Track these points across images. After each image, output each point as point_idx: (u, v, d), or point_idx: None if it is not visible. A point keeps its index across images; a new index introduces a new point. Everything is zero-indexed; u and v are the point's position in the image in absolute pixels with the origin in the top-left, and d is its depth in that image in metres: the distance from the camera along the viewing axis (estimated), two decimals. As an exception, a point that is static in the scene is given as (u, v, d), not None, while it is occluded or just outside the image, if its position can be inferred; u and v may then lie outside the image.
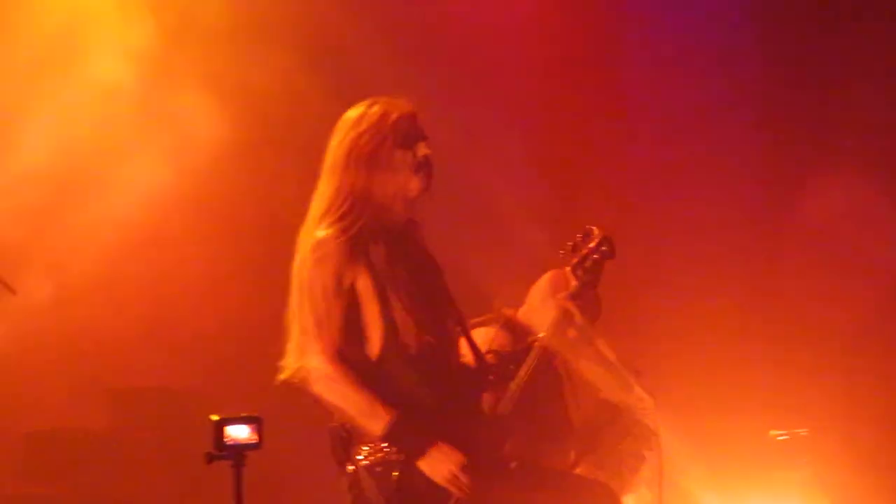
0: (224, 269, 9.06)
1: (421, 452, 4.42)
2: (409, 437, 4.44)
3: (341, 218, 4.53)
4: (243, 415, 3.86)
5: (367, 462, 4.47)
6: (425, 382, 4.54)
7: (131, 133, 9.06)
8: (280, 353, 4.61)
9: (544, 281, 5.91)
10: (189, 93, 8.90)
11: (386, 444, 4.45)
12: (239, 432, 3.83)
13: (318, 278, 4.45)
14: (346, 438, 4.51)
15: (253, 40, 8.93)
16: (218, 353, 8.98)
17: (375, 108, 4.61)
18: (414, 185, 4.62)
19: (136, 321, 9.00)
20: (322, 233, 4.51)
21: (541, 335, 5.19)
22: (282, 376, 4.53)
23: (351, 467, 4.52)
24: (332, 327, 4.43)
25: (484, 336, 5.64)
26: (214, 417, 3.86)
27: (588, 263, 5.17)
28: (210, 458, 3.89)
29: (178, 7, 9.03)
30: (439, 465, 4.44)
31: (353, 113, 4.65)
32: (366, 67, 8.69)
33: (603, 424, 5.84)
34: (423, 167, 4.62)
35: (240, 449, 3.83)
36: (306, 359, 4.44)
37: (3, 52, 8.77)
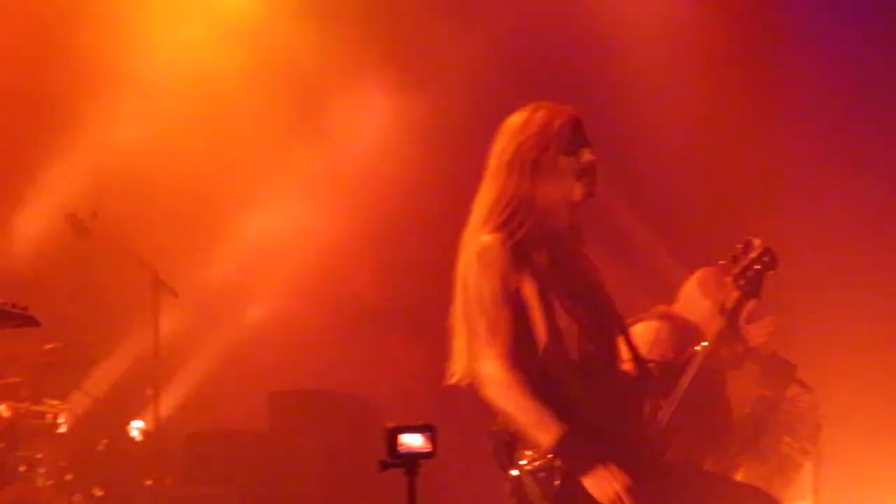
0: (388, 273, 9.18)
1: (587, 470, 4.36)
2: (577, 452, 4.37)
3: (505, 223, 4.49)
4: (418, 423, 3.85)
5: (530, 467, 4.43)
6: (587, 388, 4.48)
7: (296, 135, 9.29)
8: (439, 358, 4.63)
9: (695, 278, 5.93)
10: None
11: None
12: (413, 440, 3.82)
13: (487, 284, 4.42)
14: (510, 443, 4.47)
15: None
16: (378, 357, 9.11)
17: (540, 114, 4.56)
18: (577, 191, 4.55)
19: (298, 325, 9.13)
20: (486, 238, 4.48)
21: (703, 345, 5.08)
22: (451, 380, 4.52)
23: (514, 472, 4.48)
24: (504, 333, 4.39)
25: (643, 331, 5.66)
26: (389, 425, 3.86)
27: (749, 274, 5.07)
28: (384, 466, 3.89)
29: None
30: (605, 484, 4.37)
31: (517, 118, 4.60)
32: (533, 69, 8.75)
33: (763, 416, 5.77)
34: (587, 173, 4.54)
35: (413, 457, 3.82)
36: (480, 364, 4.41)
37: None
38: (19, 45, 8.80)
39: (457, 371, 4.51)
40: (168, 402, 8.11)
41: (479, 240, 4.50)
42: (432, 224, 8.18)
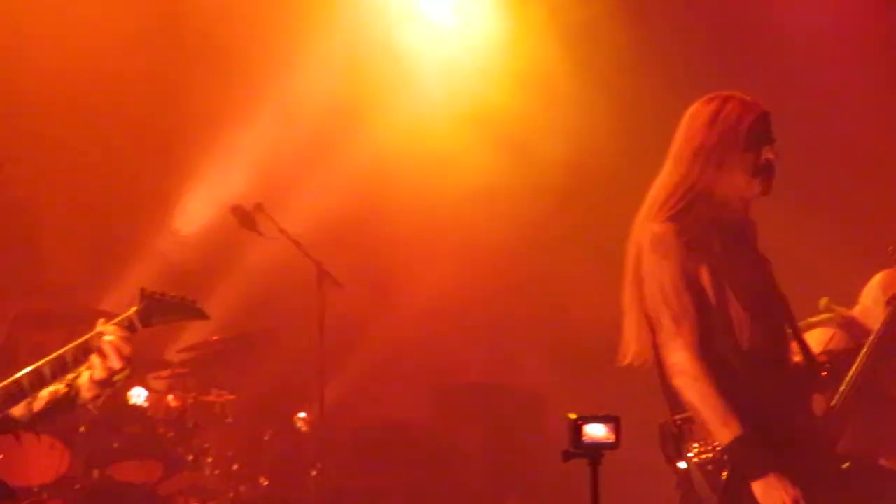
0: (545, 265, 9.06)
1: (760, 475, 4.23)
2: (753, 455, 4.25)
3: (680, 212, 4.41)
4: (601, 414, 3.78)
5: (697, 460, 4.34)
6: (756, 378, 4.37)
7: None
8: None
9: (876, 281, 5.70)
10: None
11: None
12: (597, 431, 3.75)
13: (667, 273, 4.34)
14: (678, 435, 4.38)
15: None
16: (539, 349, 9.00)
17: (731, 106, 4.46)
18: (755, 187, 4.46)
19: (458, 319, 9.09)
20: (659, 227, 4.39)
21: (872, 336, 5.03)
22: (621, 363, 4.48)
23: (682, 464, 4.39)
24: (689, 322, 4.31)
25: (819, 337, 5.43)
26: (572, 416, 3.79)
27: None
28: (567, 456, 3.82)
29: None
30: (774, 493, 4.22)
31: (707, 108, 4.50)
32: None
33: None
34: (766, 170, 4.45)
35: (597, 448, 3.76)
36: (667, 354, 4.34)
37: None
38: (181, 43, 8.92)
39: (626, 354, 4.47)
40: (333, 394, 8.07)
41: (651, 228, 4.42)
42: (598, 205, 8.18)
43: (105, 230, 8.97)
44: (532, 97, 9.13)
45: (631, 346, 4.47)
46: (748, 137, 4.41)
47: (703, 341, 4.33)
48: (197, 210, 8.87)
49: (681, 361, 4.30)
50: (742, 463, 4.24)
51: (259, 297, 8.54)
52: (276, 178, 8.86)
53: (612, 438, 3.78)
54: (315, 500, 7.80)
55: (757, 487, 4.23)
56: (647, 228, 4.44)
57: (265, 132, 8.95)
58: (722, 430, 4.25)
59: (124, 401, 7.34)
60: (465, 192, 9.06)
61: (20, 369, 3.88)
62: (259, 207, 7.77)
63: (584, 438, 3.78)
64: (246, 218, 7.75)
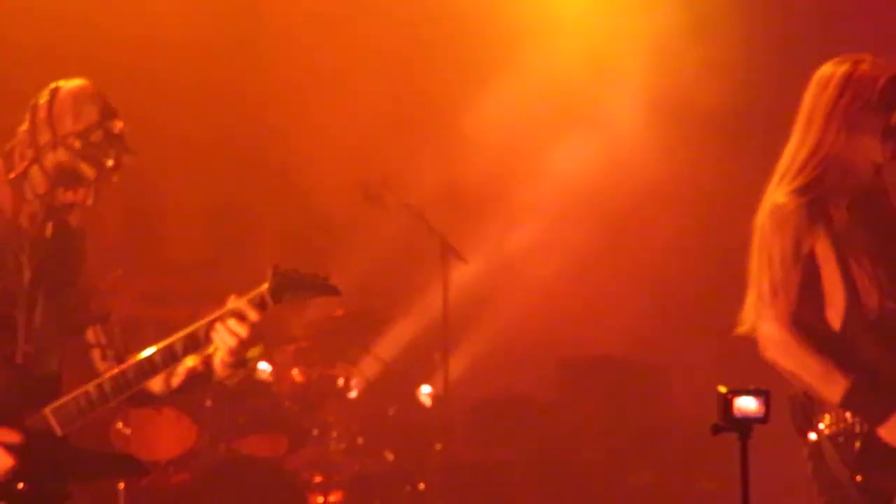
0: (673, 238, 8.83)
1: (882, 418, 4.07)
2: (869, 403, 4.09)
3: (804, 179, 4.26)
4: (751, 387, 3.65)
5: (829, 431, 4.17)
6: (886, 348, 4.20)
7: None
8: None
9: None
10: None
11: (849, 414, 4.13)
12: (747, 404, 3.62)
13: (777, 243, 4.21)
14: (808, 406, 4.22)
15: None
16: (663, 324, 8.79)
17: (864, 68, 4.26)
18: (887, 150, 4.27)
19: (583, 291, 8.92)
20: (781, 197, 4.26)
21: None
22: (740, 330, 4.34)
23: (813, 436, 4.23)
24: (787, 294, 4.17)
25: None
26: (722, 389, 3.66)
27: None
28: (716, 430, 3.70)
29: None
30: None
31: (838, 69, 4.29)
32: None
33: None
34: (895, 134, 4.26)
35: (747, 422, 3.62)
36: (760, 324, 4.21)
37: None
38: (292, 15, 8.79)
39: (744, 322, 4.34)
40: (457, 368, 7.98)
41: (774, 199, 4.29)
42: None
43: (227, 207, 8.96)
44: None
45: (749, 315, 4.33)
46: (881, 99, 4.23)
47: (826, 313, 4.21)
48: (325, 185, 8.77)
49: (770, 332, 4.19)
50: (861, 411, 4.10)
51: (383, 272, 8.44)
52: (400, 151, 8.77)
53: (762, 412, 3.66)
54: (439, 474, 7.69)
55: (883, 431, 4.09)
56: (770, 199, 4.31)
57: (386, 105, 8.83)
58: (830, 388, 4.12)
59: (250, 375, 7.31)
60: (596, 158, 8.87)
61: (145, 347, 3.86)
62: (384, 181, 7.68)
63: (734, 412, 3.65)
64: (370, 192, 7.66)
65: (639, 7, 8.98)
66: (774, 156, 4.45)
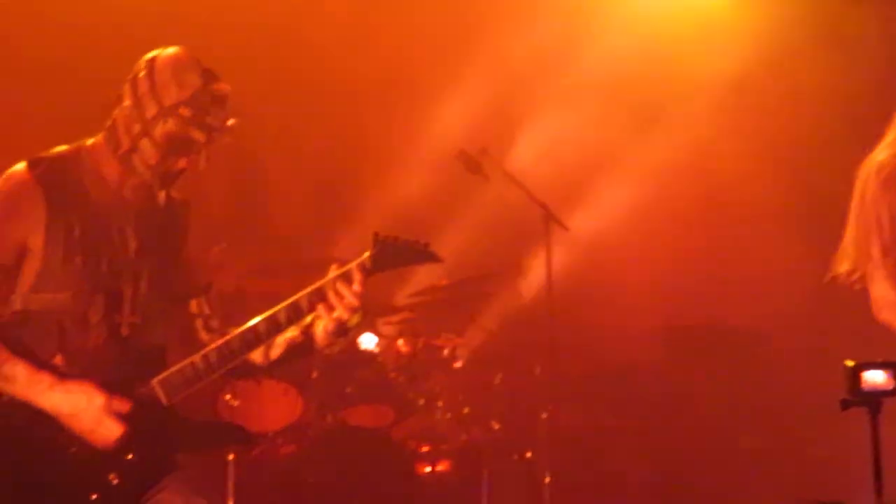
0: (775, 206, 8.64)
1: None
2: None
3: None
4: (879, 360, 3.48)
5: None
6: None
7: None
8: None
9: None
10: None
11: None
12: (876, 377, 3.44)
13: (884, 203, 4.13)
14: None
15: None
16: (770, 293, 8.57)
17: None
18: None
19: (685, 257, 8.76)
20: (882, 154, 4.19)
21: None
22: (827, 277, 4.34)
23: None
24: None
25: None
26: (850, 363, 3.50)
27: None
28: (845, 405, 3.53)
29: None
30: None
31: None
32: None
33: None
34: None
35: (877, 395, 3.45)
36: (872, 287, 4.13)
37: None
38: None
39: (838, 268, 4.31)
40: (562, 335, 7.82)
41: (877, 156, 4.22)
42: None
43: (329, 179, 8.96)
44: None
45: (843, 263, 4.28)
46: None
47: None
48: (424, 154, 8.71)
49: (884, 294, 4.09)
50: None
51: (486, 241, 8.37)
52: (501, 121, 8.66)
53: (891, 385, 3.48)
54: (546, 442, 7.55)
55: None
56: (879, 151, 4.24)
57: (487, 74, 8.71)
58: None
59: (355, 346, 7.31)
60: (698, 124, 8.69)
61: (250, 318, 3.83)
62: (484, 151, 7.53)
63: (862, 386, 3.47)
64: (471, 162, 7.54)
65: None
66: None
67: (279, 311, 3.75)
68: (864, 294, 4.30)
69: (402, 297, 7.82)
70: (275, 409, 6.89)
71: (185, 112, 3.69)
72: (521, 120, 8.80)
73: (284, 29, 8.48)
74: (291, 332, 3.83)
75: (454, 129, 8.50)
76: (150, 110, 3.69)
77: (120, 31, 7.23)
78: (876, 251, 4.11)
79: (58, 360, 3.67)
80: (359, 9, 8.66)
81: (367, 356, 7.32)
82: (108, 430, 3.59)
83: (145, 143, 3.71)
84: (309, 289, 3.77)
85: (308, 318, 3.79)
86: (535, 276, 7.84)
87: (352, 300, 3.73)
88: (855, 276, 4.24)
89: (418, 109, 8.65)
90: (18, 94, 7.79)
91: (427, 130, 8.74)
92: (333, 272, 3.78)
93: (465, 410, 7.48)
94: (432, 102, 8.68)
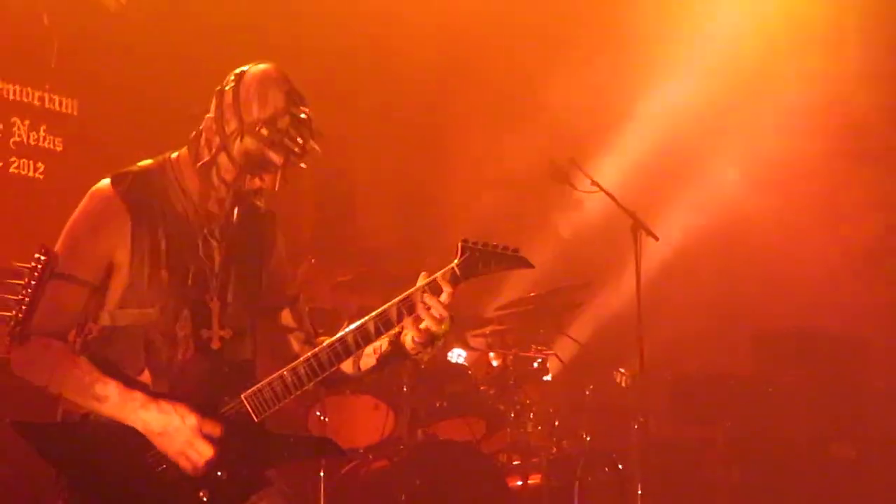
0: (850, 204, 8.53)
1: None
2: None
3: None
4: None
5: None
6: None
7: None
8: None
9: None
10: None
11: None
12: None
13: None
14: None
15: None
16: (862, 296, 8.53)
17: None
18: None
19: (776, 264, 8.68)
20: None
21: None
22: None
23: None
24: None
25: None
26: None
27: None
28: None
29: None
30: None
31: None
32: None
33: None
34: None
35: None
36: None
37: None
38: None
39: None
40: (652, 346, 7.72)
41: None
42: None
43: (418, 194, 9.01)
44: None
45: None
46: None
47: None
48: (509, 167, 8.70)
49: None
50: None
51: (575, 252, 8.34)
52: (589, 131, 8.65)
53: None
54: (638, 452, 7.42)
55: None
56: None
57: (575, 85, 8.67)
58: None
59: (445, 360, 7.30)
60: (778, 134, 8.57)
61: (339, 330, 3.75)
62: (572, 161, 7.40)
63: None
64: (559, 172, 7.43)
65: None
66: None
67: (368, 321, 3.66)
68: None
69: (491, 310, 7.78)
70: (366, 424, 6.88)
71: (263, 131, 3.60)
72: (610, 129, 8.81)
73: (367, 53, 8.53)
74: (381, 342, 3.73)
75: (538, 141, 8.44)
76: (231, 125, 3.61)
77: (214, 53, 7.29)
78: None
79: (145, 375, 3.60)
80: (441, 34, 8.67)
81: (458, 370, 7.28)
82: (197, 453, 3.53)
83: (223, 158, 3.64)
84: (397, 299, 3.67)
85: (397, 328, 3.69)
86: (624, 286, 7.74)
87: (440, 310, 3.62)
88: None
89: (506, 123, 8.65)
90: (121, 110, 7.94)
91: (516, 143, 8.71)
92: (422, 280, 3.67)
93: (556, 422, 7.40)
94: (521, 116, 8.68)
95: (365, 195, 9.06)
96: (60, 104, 8.20)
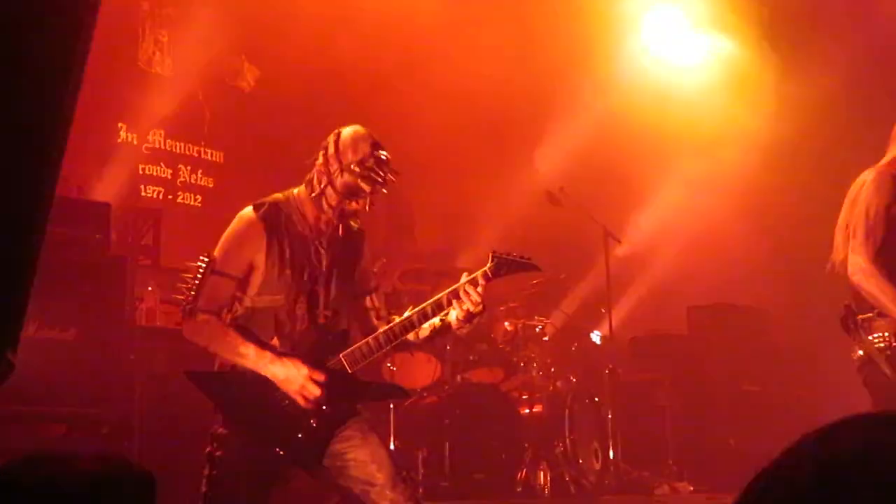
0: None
1: None
2: None
3: None
4: None
5: (881, 345, 3.79)
6: None
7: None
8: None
9: None
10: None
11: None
12: None
13: (874, 201, 3.89)
14: (859, 322, 3.84)
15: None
16: (772, 276, 8.29)
17: None
18: None
19: (708, 253, 8.45)
20: (883, 168, 3.96)
21: None
22: (828, 268, 4.05)
23: (860, 352, 3.88)
24: (875, 240, 3.86)
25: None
26: None
27: None
28: None
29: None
30: None
31: None
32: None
33: None
34: None
35: None
36: (852, 257, 3.88)
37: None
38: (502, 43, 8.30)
39: (834, 262, 4.02)
40: (617, 315, 7.70)
41: (878, 167, 3.98)
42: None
43: (457, 212, 8.86)
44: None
45: (838, 256, 3.99)
46: None
47: (889, 256, 3.85)
48: (520, 192, 8.55)
49: (859, 262, 3.84)
50: None
51: (564, 251, 8.19)
52: (575, 166, 8.41)
53: None
54: (609, 390, 7.34)
55: None
56: (874, 168, 4.00)
57: (566, 133, 8.48)
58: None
59: (475, 328, 7.11)
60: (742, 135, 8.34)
61: (404, 311, 3.74)
62: (562, 189, 7.37)
63: None
64: (553, 197, 7.39)
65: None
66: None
67: (426, 306, 3.64)
68: None
69: (507, 291, 7.59)
70: (421, 372, 6.78)
71: (357, 168, 3.62)
72: (589, 163, 8.53)
73: (412, 74, 8.11)
74: (434, 320, 3.71)
75: (539, 174, 8.34)
76: (334, 167, 3.63)
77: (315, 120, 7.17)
78: (860, 232, 3.86)
79: (274, 341, 3.62)
80: (491, 61, 8.27)
81: (483, 332, 7.15)
82: (309, 393, 3.53)
83: (329, 190, 3.66)
84: (447, 290, 3.65)
85: (446, 311, 3.67)
86: (598, 275, 7.60)
87: (476, 298, 3.61)
88: (842, 269, 3.95)
89: (522, 165, 8.45)
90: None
91: (520, 177, 8.54)
92: (464, 278, 3.66)
93: (552, 369, 7.30)
94: (524, 156, 8.49)
95: (420, 214, 8.93)
96: (211, 155, 8.23)
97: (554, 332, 7.58)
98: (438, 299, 3.63)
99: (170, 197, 7.92)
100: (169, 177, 7.92)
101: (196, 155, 8.11)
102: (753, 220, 8.49)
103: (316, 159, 3.71)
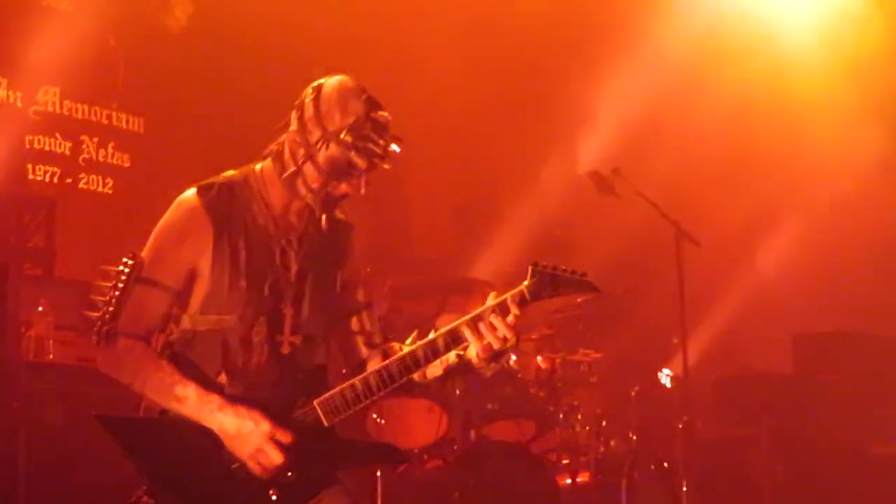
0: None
1: None
2: None
3: None
4: None
5: None
6: None
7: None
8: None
9: None
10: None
11: None
12: None
13: None
14: None
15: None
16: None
17: None
18: None
19: (822, 266, 8.58)
20: None
21: None
22: None
23: None
24: None
25: None
26: None
27: None
28: None
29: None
30: None
31: None
32: None
33: None
34: None
35: None
36: None
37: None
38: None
39: None
40: (695, 349, 7.73)
41: None
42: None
43: (470, 205, 8.94)
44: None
45: None
46: None
47: None
48: (557, 176, 8.65)
49: None
50: None
51: (619, 259, 8.27)
52: (632, 140, 8.55)
53: None
54: (682, 452, 7.43)
55: None
56: None
57: (619, 95, 8.66)
58: None
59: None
60: (824, 141, 8.48)
61: (401, 336, 3.75)
62: (616, 171, 7.41)
63: None
64: (603, 183, 7.44)
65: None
66: None
67: (438, 337, 3.62)
68: None
69: (539, 315, 7.66)
70: (420, 426, 6.86)
71: (348, 138, 3.60)
72: (653, 138, 8.72)
73: (419, 63, 8.45)
74: (448, 355, 3.69)
75: (582, 151, 8.44)
76: (315, 135, 3.61)
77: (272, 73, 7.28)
78: None
79: (222, 377, 3.63)
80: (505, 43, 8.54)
81: (508, 373, 7.19)
82: (267, 459, 3.54)
83: (309, 168, 3.64)
84: (467, 317, 3.61)
85: (464, 345, 3.65)
86: (667, 291, 7.65)
87: (505, 332, 3.57)
88: None
89: (552, 131, 8.57)
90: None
91: (557, 154, 8.65)
92: (491, 301, 3.62)
93: (603, 423, 7.36)
94: (566, 123, 8.58)
95: (421, 207, 8.98)
96: (127, 122, 8.27)
97: (606, 371, 7.69)
98: (455, 328, 3.62)
99: (69, 180, 7.96)
100: (67, 152, 7.97)
101: (106, 122, 8.16)
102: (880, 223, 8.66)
103: (287, 124, 3.70)
